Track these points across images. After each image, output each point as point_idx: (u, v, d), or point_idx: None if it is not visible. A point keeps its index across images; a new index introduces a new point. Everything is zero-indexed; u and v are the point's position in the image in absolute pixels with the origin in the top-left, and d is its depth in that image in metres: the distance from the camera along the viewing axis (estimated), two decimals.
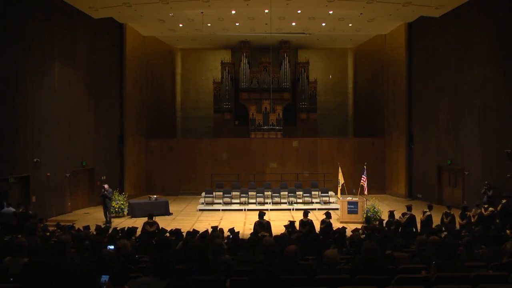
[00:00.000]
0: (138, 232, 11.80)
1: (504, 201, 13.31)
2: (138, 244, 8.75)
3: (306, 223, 12.69)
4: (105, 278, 4.65)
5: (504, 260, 5.60)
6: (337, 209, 18.95)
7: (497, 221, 12.83)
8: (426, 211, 13.63)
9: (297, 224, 12.70)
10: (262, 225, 12.69)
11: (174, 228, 11.73)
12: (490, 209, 13.69)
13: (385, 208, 17.66)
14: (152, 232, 13.03)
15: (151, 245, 8.59)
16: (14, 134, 15.49)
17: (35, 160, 16.47)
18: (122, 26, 22.95)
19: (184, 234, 10.83)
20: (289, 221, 12.74)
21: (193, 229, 11.65)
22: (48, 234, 11.33)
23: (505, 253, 5.68)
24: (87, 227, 11.83)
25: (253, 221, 13.47)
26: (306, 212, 13.21)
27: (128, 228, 10.87)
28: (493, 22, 17.13)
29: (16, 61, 15.59)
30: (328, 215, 13.07)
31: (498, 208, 13.41)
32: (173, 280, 4.02)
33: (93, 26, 20.59)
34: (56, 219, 16.60)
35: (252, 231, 12.61)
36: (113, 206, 18.26)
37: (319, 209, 19.33)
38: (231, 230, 11.59)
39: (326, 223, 12.85)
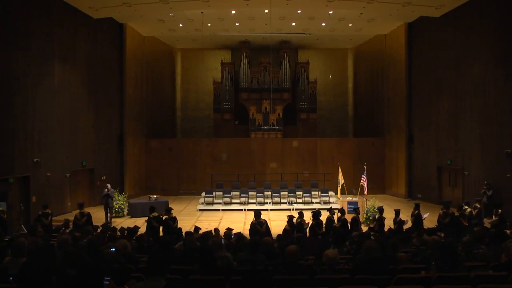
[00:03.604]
0: (141, 231, 11.79)
1: (500, 211, 13.33)
2: (138, 244, 8.74)
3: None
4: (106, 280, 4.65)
5: (502, 259, 5.60)
6: (337, 209, 18.91)
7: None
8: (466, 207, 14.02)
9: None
10: (260, 225, 12.56)
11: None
12: (468, 210, 13.87)
13: (385, 208, 17.62)
14: (158, 229, 13.02)
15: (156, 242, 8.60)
16: (14, 134, 15.48)
17: (35, 160, 16.47)
18: (122, 26, 22.94)
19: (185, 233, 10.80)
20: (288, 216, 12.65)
21: (195, 226, 11.62)
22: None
23: (506, 251, 5.67)
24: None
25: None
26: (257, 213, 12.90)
27: (129, 228, 10.87)
28: (493, 22, 17.13)
29: (16, 61, 15.58)
30: (290, 218, 12.73)
31: (494, 218, 13.43)
32: (170, 282, 4.01)
33: (93, 26, 20.59)
34: (56, 218, 16.58)
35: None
36: (113, 206, 18.28)
37: (318, 209, 19.31)
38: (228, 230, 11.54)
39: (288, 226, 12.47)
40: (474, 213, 13.95)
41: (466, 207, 14.17)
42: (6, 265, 5.44)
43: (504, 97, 16.50)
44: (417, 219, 13.45)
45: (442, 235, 10.35)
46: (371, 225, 14.06)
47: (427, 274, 5.42)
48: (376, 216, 13.90)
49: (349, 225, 12.99)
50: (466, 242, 7.20)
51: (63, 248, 6.24)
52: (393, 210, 13.96)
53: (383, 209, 13.88)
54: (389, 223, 13.47)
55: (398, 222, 13.08)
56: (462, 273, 5.32)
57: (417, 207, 13.84)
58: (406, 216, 14.73)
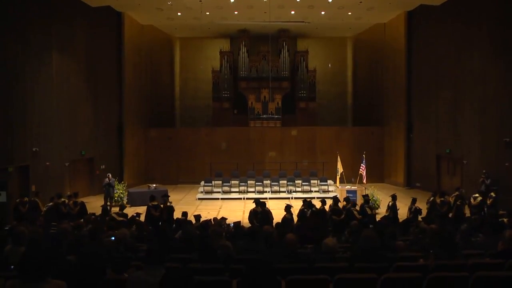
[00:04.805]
0: (141, 219, 11.85)
1: None
2: (138, 232, 8.78)
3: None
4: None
5: (499, 247, 5.63)
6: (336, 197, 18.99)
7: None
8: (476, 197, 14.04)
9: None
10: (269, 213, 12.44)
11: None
12: (479, 198, 13.88)
13: (384, 197, 17.71)
14: (157, 218, 13.05)
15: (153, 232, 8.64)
16: (12, 124, 15.48)
17: (34, 149, 16.47)
18: (120, 15, 22.75)
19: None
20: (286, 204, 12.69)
21: (196, 215, 11.66)
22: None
23: (503, 240, 5.70)
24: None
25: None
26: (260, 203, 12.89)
27: (131, 216, 10.93)
28: (494, 12, 17.02)
29: (15, 51, 15.53)
30: (287, 207, 12.50)
31: None
32: (170, 271, 4.03)
33: (91, 15, 20.42)
34: None
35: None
36: (114, 196, 18.35)
37: (317, 197, 19.38)
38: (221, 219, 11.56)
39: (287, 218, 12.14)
40: (488, 202, 13.90)
41: (477, 195, 14.15)
42: (7, 254, 5.47)
43: (504, 87, 16.46)
44: (432, 206, 13.47)
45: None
46: (386, 213, 14.04)
47: (425, 262, 5.45)
48: (390, 204, 13.85)
49: (355, 212, 12.90)
50: (464, 230, 7.25)
51: (63, 236, 6.27)
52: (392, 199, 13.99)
53: (396, 197, 13.86)
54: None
55: (414, 211, 13.06)
56: (460, 261, 5.36)
57: (433, 194, 13.89)
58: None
